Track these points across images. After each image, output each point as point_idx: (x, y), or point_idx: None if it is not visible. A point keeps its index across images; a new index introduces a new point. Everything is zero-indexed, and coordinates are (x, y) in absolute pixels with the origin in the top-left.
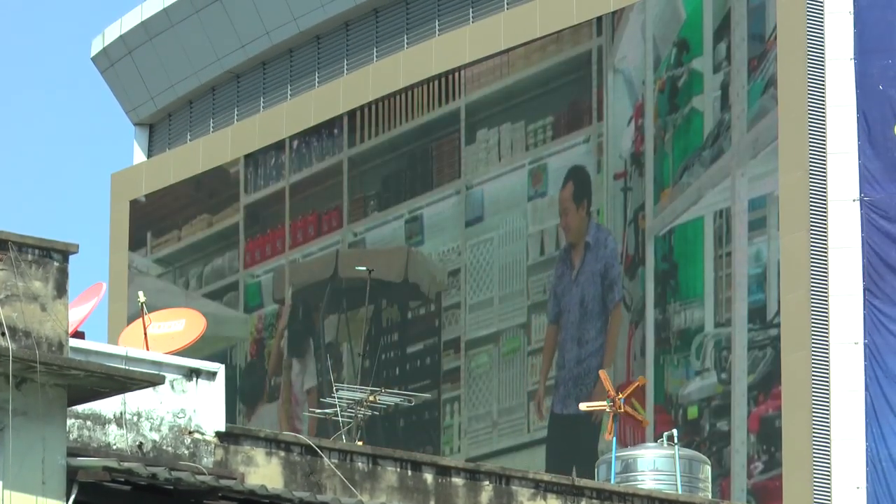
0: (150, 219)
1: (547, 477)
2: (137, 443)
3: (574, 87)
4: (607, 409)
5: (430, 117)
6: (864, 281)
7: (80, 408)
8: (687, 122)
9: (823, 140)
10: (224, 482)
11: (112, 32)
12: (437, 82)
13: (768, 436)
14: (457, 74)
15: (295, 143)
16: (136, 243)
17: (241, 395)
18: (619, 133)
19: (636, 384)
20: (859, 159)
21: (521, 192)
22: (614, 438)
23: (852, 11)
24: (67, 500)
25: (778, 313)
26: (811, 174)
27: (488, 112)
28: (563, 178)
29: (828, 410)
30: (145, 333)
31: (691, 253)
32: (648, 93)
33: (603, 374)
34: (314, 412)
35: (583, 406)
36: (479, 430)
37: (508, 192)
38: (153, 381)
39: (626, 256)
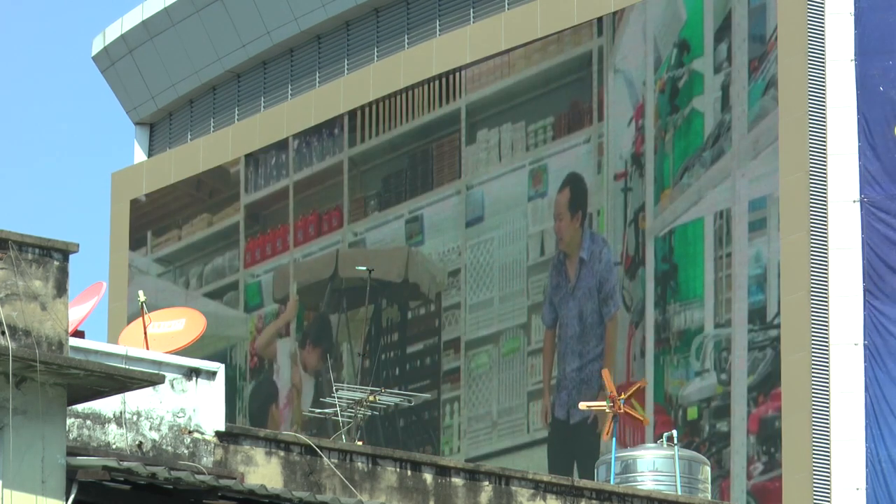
0: (150, 218)
1: (546, 477)
2: (137, 442)
3: (575, 87)
4: (607, 410)
5: (431, 117)
6: (864, 282)
7: (79, 407)
8: (687, 123)
9: (824, 141)
10: (224, 482)
11: (113, 32)
12: (437, 82)
13: (768, 437)
14: (457, 74)
15: (295, 142)
16: (136, 243)
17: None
18: (619, 134)
19: (637, 385)
20: (859, 160)
21: (522, 192)
22: (614, 439)
23: (853, 13)
24: (67, 500)
25: (778, 314)
26: (811, 175)
27: (489, 112)
28: (560, 182)
29: (828, 411)
30: (145, 333)
31: (691, 254)
32: (649, 93)
33: (605, 373)
34: (314, 412)
35: (582, 405)
36: (478, 431)
37: (509, 193)
38: (153, 381)
39: (626, 257)
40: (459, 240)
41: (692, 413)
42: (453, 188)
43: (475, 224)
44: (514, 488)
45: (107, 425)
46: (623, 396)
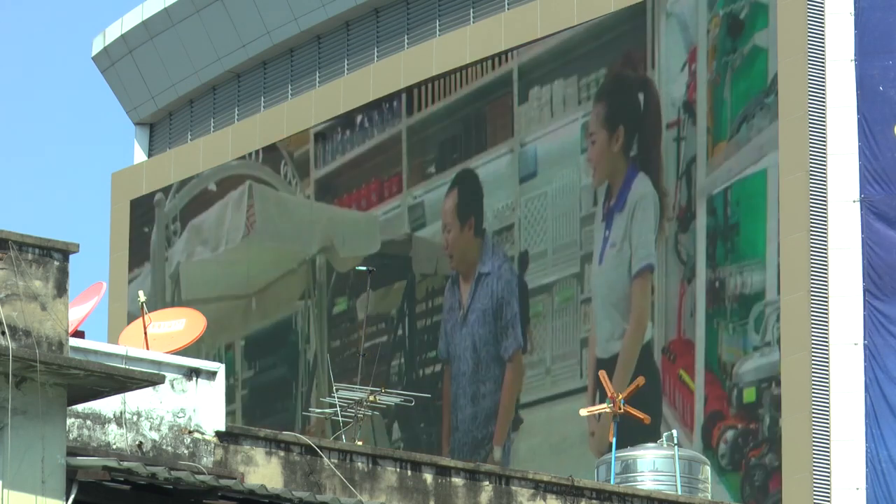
0: None
1: (546, 477)
2: (137, 442)
3: (628, 38)
4: (608, 410)
5: (483, 82)
6: (863, 282)
7: (79, 407)
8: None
9: (824, 141)
10: (224, 482)
11: (113, 32)
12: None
13: None
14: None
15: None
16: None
17: None
18: (671, 80)
19: (635, 385)
20: (859, 160)
21: (574, 146)
22: (614, 439)
23: (853, 13)
24: (67, 500)
25: None
26: (811, 175)
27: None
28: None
29: (828, 411)
30: (145, 333)
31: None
32: (702, 33)
33: (602, 374)
34: (314, 411)
35: (583, 412)
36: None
37: (560, 147)
38: (153, 381)
39: (679, 209)
40: (514, 196)
41: (749, 395)
42: (507, 147)
43: (529, 180)
44: (514, 488)
45: (107, 425)
46: (622, 396)
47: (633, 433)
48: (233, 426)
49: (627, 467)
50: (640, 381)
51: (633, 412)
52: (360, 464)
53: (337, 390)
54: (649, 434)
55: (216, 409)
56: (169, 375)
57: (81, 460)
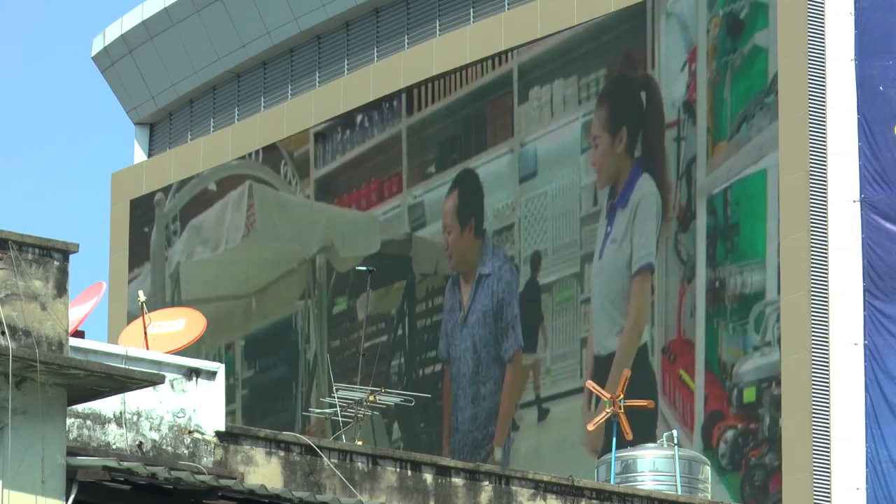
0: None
1: (546, 477)
2: (137, 442)
3: (628, 38)
4: (608, 411)
5: (483, 82)
6: (864, 282)
7: (79, 407)
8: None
9: (824, 141)
10: (224, 482)
11: (113, 32)
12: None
13: None
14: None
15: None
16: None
17: None
18: (671, 80)
19: (623, 380)
20: (859, 160)
21: (574, 145)
22: (614, 439)
23: (853, 13)
24: (67, 500)
25: None
26: (811, 175)
27: (541, 70)
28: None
29: (828, 411)
30: (145, 333)
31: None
32: (701, 33)
33: (590, 383)
34: (314, 411)
35: (590, 427)
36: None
37: (560, 147)
38: (153, 381)
39: (679, 208)
40: (514, 195)
41: (749, 395)
42: (507, 147)
43: (529, 179)
44: (514, 488)
45: (107, 425)
46: (620, 395)
47: (633, 433)
48: (233, 426)
49: (627, 467)
50: (627, 373)
51: (634, 404)
52: (360, 464)
53: (337, 390)
54: (649, 434)
55: (216, 409)
56: (169, 375)
57: (81, 460)
